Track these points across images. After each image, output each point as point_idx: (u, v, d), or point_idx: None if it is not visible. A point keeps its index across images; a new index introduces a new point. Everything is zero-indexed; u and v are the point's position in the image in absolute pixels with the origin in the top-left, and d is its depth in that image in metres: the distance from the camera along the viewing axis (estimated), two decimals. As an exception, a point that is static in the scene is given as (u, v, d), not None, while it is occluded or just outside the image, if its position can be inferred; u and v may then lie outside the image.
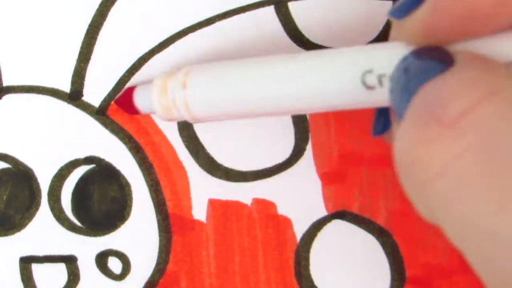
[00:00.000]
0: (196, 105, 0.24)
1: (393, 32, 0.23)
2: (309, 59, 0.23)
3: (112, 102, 0.28)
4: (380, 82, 0.21)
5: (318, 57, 0.22)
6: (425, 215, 0.19)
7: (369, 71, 0.21)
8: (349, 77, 0.21)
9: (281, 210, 0.28)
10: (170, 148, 0.28)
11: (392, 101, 0.20)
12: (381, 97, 0.21)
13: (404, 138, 0.18)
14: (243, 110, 0.24)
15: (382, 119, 0.24)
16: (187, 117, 0.25)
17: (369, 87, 0.21)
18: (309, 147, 0.28)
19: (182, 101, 0.24)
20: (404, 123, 0.19)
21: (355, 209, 0.28)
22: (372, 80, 0.21)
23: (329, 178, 0.28)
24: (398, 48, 0.21)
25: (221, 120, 0.26)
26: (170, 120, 0.26)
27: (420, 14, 0.20)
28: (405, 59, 0.20)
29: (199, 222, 0.28)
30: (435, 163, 0.17)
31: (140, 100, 0.27)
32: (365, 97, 0.21)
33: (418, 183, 0.18)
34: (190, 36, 0.28)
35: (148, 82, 0.26)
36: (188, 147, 0.28)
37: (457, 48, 0.20)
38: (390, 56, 0.21)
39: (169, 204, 0.28)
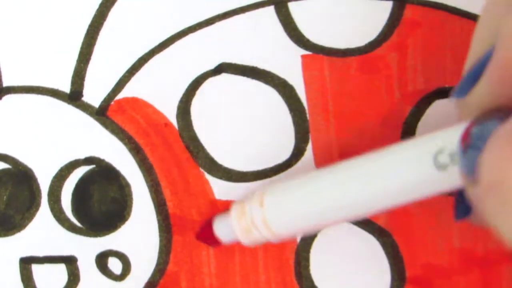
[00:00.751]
0: (275, 221, 0.25)
1: (460, 114, 0.23)
2: (380, 157, 0.23)
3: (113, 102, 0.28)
4: (452, 160, 0.21)
5: (388, 153, 0.23)
6: None
7: (441, 151, 0.21)
8: (422, 160, 0.22)
9: (281, 210, 0.28)
10: (170, 149, 0.28)
11: (462, 165, 0.20)
12: (455, 177, 0.21)
13: (490, 159, 0.18)
14: (321, 221, 0.24)
15: (463, 202, 0.24)
16: (267, 235, 0.25)
17: (442, 167, 0.21)
18: (309, 147, 0.28)
19: (261, 220, 0.25)
20: (489, 146, 0.18)
21: (355, 209, 0.28)
22: (444, 158, 0.21)
23: (329, 178, 0.28)
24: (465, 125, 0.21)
25: (300, 234, 0.27)
26: (252, 243, 0.26)
27: (479, 89, 0.21)
28: (466, 128, 0.20)
29: (199, 222, 0.28)
30: None
31: (220, 230, 0.27)
32: (440, 180, 0.22)
33: (507, 204, 0.18)
34: (190, 36, 0.28)
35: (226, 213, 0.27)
36: (188, 147, 0.28)
37: None
38: (459, 134, 0.21)
39: (169, 204, 0.28)
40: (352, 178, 0.23)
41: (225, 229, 0.27)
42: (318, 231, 0.28)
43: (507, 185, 0.17)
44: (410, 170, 0.22)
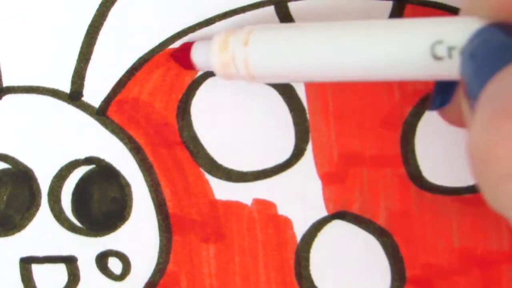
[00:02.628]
0: (256, 63, 0.24)
1: (467, 6, 0.22)
2: (378, 27, 0.22)
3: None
4: (450, 54, 0.21)
5: (388, 25, 0.22)
6: (493, 206, 0.19)
7: (440, 42, 0.21)
8: (418, 45, 0.21)
9: (281, 210, 0.28)
10: (170, 149, 0.28)
11: (465, 77, 0.20)
12: (448, 70, 0.21)
13: (479, 134, 0.18)
14: (301, 74, 0.24)
15: (441, 93, 0.23)
16: (244, 75, 0.24)
17: (438, 58, 0.21)
18: (309, 147, 0.28)
19: (242, 58, 0.24)
20: (479, 118, 0.18)
21: (355, 209, 0.28)
22: (441, 51, 0.21)
23: (329, 178, 0.28)
24: (472, 21, 0.20)
25: (277, 81, 0.26)
26: (226, 77, 0.25)
27: None
28: (480, 32, 0.20)
29: (199, 222, 0.28)
30: (510, 163, 0.17)
31: (197, 55, 0.26)
32: (432, 68, 0.21)
33: (490, 180, 0.18)
34: (190, 36, 0.28)
35: (207, 38, 0.26)
36: (188, 147, 0.28)
37: None
38: (462, 28, 0.20)
39: (169, 204, 0.28)
40: (344, 39, 0.22)
41: (202, 56, 0.26)
42: (293, 82, 0.27)
43: (491, 164, 0.17)
44: (403, 51, 0.21)
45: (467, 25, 0.20)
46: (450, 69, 0.21)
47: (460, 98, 0.22)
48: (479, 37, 0.20)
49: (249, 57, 0.24)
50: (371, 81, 0.23)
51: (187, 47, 0.27)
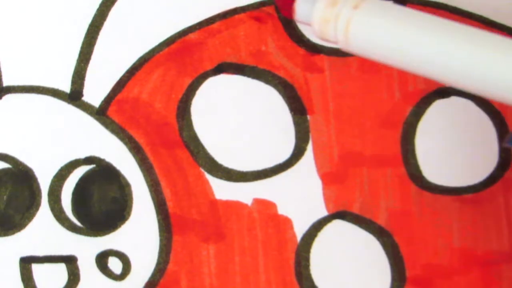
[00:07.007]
0: (357, 28, 0.23)
1: None
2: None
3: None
4: None
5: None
6: None
7: None
8: None
9: (281, 210, 0.28)
10: (170, 149, 0.28)
11: None
12: None
13: None
14: (398, 59, 0.23)
15: None
16: (340, 37, 0.23)
17: None
18: (309, 147, 0.28)
19: (346, 20, 0.23)
20: None
21: (355, 209, 0.28)
22: None
23: (330, 178, 0.28)
24: None
25: (368, 55, 0.24)
26: (321, 35, 0.24)
27: None
28: None
29: (199, 222, 0.28)
30: None
31: (301, 4, 0.25)
32: None
33: None
34: (190, 36, 0.28)
35: None
36: (188, 147, 0.28)
37: None
38: None
39: (169, 204, 0.28)
40: (462, 46, 0.21)
41: (306, 6, 0.25)
42: (384, 62, 0.25)
43: None
44: None
45: None
46: None
47: None
48: None
49: (353, 20, 0.23)
50: (465, 90, 0.22)
51: None
